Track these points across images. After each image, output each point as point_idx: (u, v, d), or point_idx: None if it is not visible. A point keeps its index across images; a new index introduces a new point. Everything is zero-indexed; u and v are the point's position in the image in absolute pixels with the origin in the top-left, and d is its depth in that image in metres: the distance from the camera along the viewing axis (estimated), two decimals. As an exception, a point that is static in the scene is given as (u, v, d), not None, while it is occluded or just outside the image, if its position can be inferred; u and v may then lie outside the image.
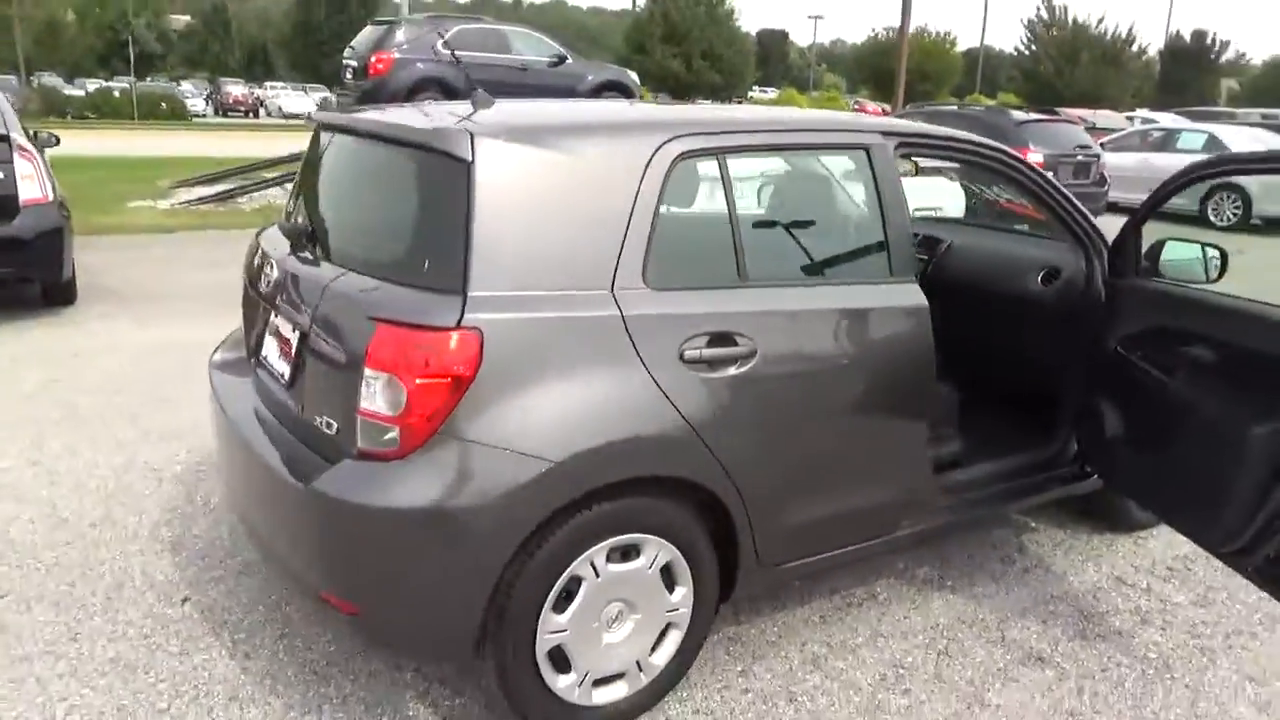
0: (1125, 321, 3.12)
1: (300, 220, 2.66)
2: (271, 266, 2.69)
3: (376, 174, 2.57)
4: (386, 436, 2.12)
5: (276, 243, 2.81)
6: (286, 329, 2.56)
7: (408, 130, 2.39)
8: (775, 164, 2.83)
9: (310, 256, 2.56)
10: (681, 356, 2.33)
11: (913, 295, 2.77)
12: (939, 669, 2.82)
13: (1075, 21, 47.26)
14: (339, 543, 2.19)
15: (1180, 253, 3.20)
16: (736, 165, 2.56)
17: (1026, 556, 3.55)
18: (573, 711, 2.39)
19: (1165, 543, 3.68)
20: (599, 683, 2.42)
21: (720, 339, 2.39)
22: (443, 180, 2.20)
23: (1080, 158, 12.08)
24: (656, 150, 2.38)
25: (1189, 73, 50.61)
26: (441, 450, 2.10)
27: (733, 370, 2.41)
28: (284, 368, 2.54)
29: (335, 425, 2.24)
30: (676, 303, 2.36)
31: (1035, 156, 10.61)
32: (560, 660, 2.34)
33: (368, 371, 2.13)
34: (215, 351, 3.14)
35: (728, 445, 2.41)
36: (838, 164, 2.82)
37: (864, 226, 2.80)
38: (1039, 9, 49.46)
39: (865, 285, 2.75)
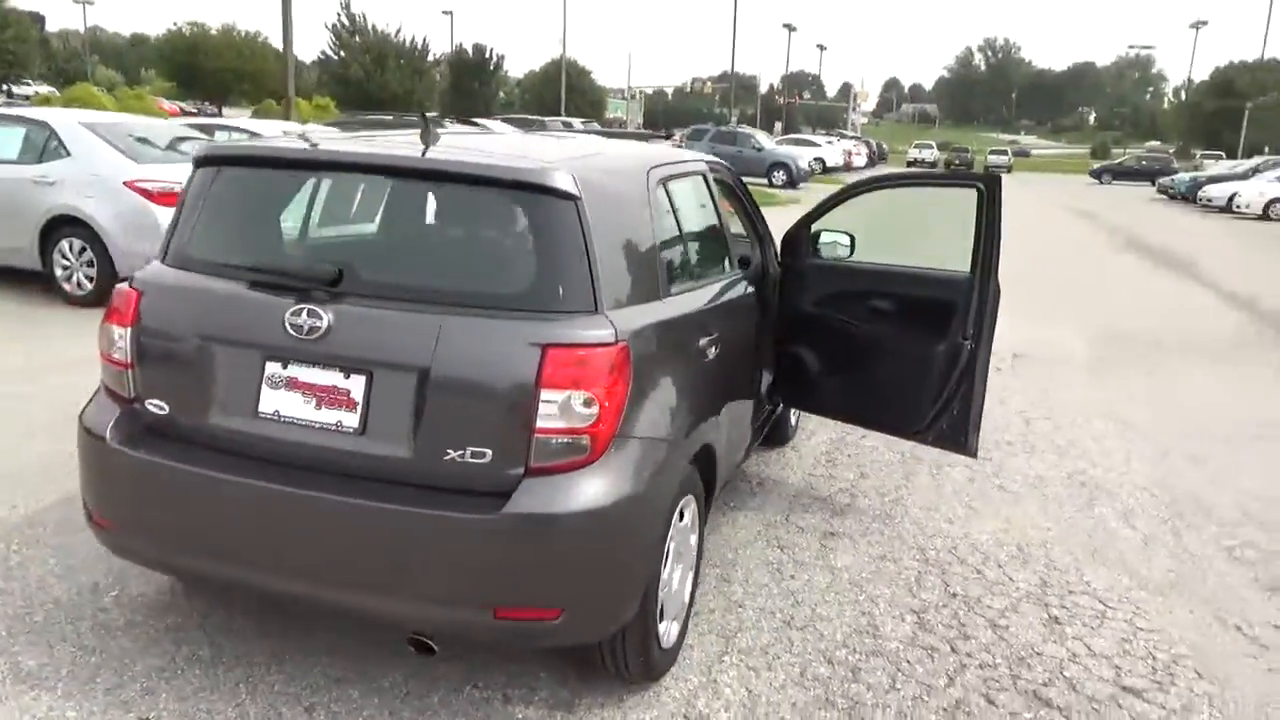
0: (811, 290, 4.39)
1: (320, 263, 2.46)
2: (267, 314, 2.45)
3: (459, 211, 2.56)
4: (574, 447, 2.33)
5: (231, 288, 2.54)
6: (329, 377, 2.43)
7: (498, 169, 2.49)
8: (687, 185, 3.44)
9: (364, 298, 2.44)
10: (699, 345, 2.90)
11: (748, 282, 3.66)
12: (794, 556, 3.79)
13: (376, 29, 50.16)
14: (543, 555, 2.31)
15: (828, 239, 4.59)
16: (675, 187, 3.15)
17: (752, 476, 4.69)
18: (666, 655, 2.82)
19: (810, 446, 5.15)
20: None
21: (705, 330, 3.01)
22: (556, 215, 2.43)
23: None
24: (648, 175, 2.88)
25: (473, 82, 57.49)
26: (622, 448, 2.40)
27: (713, 352, 3.04)
28: (341, 417, 2.42)
29: (489, 452, 2.32)
30: (685, 304, 2.91)
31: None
32: (659, 614, 2.75)
33: (544, 393, 2.30)
34: (108, 430, 2.59)
35: (719, 411, 3.05)
36: (701, 185, 3.55)
37: (724, 232, 3.58)
38: (340, 15, 51.28)
39: (739, 278, 3.56)
